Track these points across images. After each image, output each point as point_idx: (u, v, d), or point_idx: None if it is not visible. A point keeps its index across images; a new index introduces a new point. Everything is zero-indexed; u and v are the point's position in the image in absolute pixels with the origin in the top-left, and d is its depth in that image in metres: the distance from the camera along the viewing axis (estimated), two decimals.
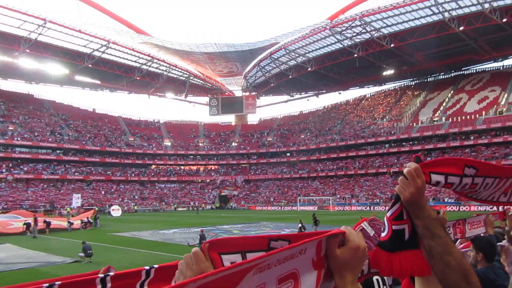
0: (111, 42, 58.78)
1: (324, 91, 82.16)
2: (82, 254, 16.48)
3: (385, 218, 1.35)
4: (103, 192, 63.31)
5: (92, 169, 66.50)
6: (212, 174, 75.33)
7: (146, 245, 21.41)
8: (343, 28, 56.89)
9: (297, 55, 65.68)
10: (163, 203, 65.00)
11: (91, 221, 33.37)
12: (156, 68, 70.42)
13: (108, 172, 67.51)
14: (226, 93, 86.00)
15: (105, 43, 58.67)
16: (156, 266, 1.08)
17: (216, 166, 76.93)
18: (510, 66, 64.54)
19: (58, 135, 65.70)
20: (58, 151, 63.99)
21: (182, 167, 76.35)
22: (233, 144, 79.64)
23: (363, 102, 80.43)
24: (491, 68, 66.64)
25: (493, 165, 1.43)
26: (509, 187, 1.51)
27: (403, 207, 1.30)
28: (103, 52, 60.85)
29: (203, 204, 65.42)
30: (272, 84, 76.60)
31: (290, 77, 71.19)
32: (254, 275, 0.90)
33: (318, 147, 70.24)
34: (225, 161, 76.43)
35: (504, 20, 48.81)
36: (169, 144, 77.08)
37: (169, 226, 32.18)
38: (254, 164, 76.29)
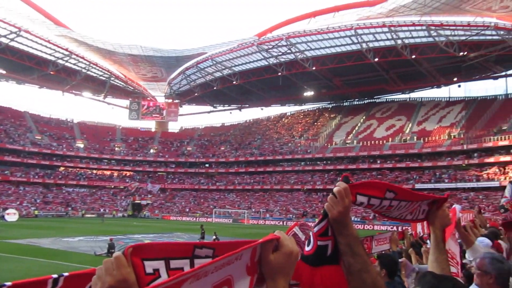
0: (23, 30, 54.22)
1: (247, 105, 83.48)
2: None
3: (311, 233, 1.39)
4: None
5: None
6: (127, 180, 72.18)
7: (45, 253, 19.73)
8: (270, 46, 58.63)
9: (223, 67, 66.17)
10: (70, 208, 60.73)
11: None
12: (74, 64, 66.35)
13: (6, 172, 61.37)
14: (148, 98, 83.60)
15: (16, 30, 53.98)
16: (66, 274, 0.98)
17: (132, 173, 73.91)
18: (415, 98, 71.02)
19: None
20: None
21: (95, 171, 72.20)
22: (152, 151, 77.29)
23: (283, 119, 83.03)
24: (399, 99, 72.77)
25: (408, 190, 1.58)
26: (416, 208, 1.66)
27: (329, 224, 1.35)
28: (12, 40, 55.96)
29: (114, 212, 62.29)
30: (196, 94, 76.12)
31: (215, 88, 71.35)
32: (191, 283, 0.89)
33: (237, 160, 70.87)
34: (142, 168, 73.79)
35: (413, 56, 53.96)
36: (82, 146, 72.55)
37: (74, 234, 30.13)
38: (172, 173, 74.64)
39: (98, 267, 0.92)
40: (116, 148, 75.89)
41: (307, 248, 1.37)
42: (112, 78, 73.72)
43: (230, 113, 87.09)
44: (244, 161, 70.37)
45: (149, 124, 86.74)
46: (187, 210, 64.31)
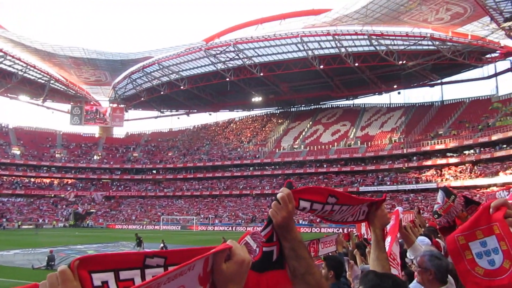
0: None
1: (195, 110, 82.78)
2: None
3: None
4: None
5: None
6: (69, 188, 68.82)
7: None
8: (218, 52, 58.61)
9: (170, 72, 65.22)
10: (4, 219, 56.79)
11: None
12: (9, 66, 62.53)
13: None
14: (92, 103, 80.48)
15: None
16: None
17: (74, 180, 70.62)
18: (359, 104, 73.86)
19: None
20: None
21: (33, 180, 68.15)
22: (95, 157, 74.32)
23: (231, 125, 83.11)
24: (344, 105, 75.34)
25: (349, 195, 1.62)
26: (356, 210, 1.73)
27: (274, 229, 1.38)
28: None
29: (54, 222, 59.12)
30: (142, 98, 74.30)
31: (162, 93, 70.11)
32: None
33: (186, 166, 69.91)
34: (85, 175, 70.69)
35: (356, 64, 56.17)
36: (18, 152, 68.28)
37: (9, 247, 28.21)
38: (117, 180, 72.16)
39: (42, 282, 0.85)
40: (57, 155, 72.23)
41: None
42: (52, 81, 70.24)
43: (178, 118, 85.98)
44: (193, 167, 69.57)
45: (93, 130, 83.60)
46: (134, 218, 62.46)
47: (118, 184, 71.81)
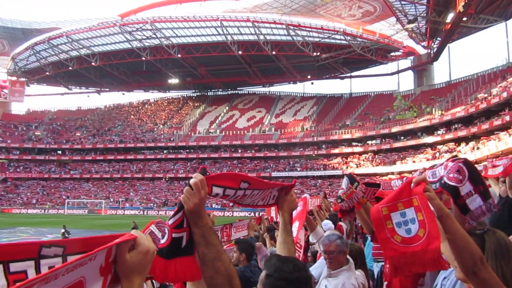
0: None
1: (107, 89, 78.48)
2: None
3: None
4: None
5: None
6: None
7: None
8: (134, 29, 56.09)
9: (80, 46, 60.98)
10: None
11: None
12: None
13: None
14: None
15: None
16: None
17: None
18: (274, 92, 75.64)
19: None
20: None
21: None
22: None
23: (146, 106, 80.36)
24: (260, 92, 76.63)
25: (261, 180, 1.69)
26: (267, 194, 1.80)
27: (184, 215, 1.37)
28: None
29: None
30: (47, 73, 68.36)
31: (71, 68, 65.20)
32: (39, 287, 0.78)
33: (95, 147, 66.22)
34: None
35: (274, 52, 57.37)
36: None
37: None
38: (15, 160, 66.02)
39: None
40: None
41: (162, 241, 1.37)
42: None
43: (88, 96, 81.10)
44: (103, 148, 66.14)
45: None
46: (34, 201, 57.95)
47: (16, 165, 65.77)
